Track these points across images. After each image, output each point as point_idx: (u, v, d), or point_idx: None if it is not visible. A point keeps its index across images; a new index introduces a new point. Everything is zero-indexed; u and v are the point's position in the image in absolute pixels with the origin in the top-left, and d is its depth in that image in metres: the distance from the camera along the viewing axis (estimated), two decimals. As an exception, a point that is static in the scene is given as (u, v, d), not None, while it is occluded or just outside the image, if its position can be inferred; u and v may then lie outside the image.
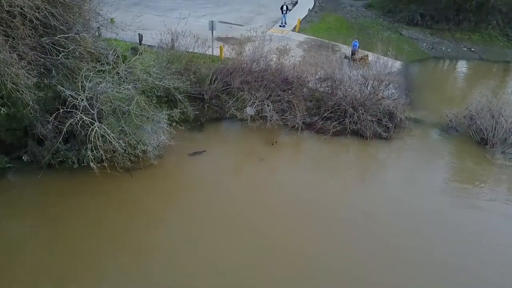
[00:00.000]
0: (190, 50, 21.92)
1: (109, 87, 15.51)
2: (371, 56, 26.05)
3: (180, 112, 18.65)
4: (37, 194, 15.81)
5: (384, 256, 14.15)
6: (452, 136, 21.49)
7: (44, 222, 14.67)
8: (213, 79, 21.19)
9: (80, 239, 13.98)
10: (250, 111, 20.26)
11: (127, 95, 16.11)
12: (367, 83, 21.89)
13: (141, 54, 18.96)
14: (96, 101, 15.55)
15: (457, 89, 28.74)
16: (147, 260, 13.45)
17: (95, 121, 15.46)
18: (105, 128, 15.06)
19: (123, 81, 16.60)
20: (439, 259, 14.06)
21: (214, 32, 25.28)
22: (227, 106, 21.01)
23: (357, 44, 27.62)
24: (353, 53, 27.09)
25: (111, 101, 15.78)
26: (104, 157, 15.47)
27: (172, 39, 21.90)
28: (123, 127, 16.00)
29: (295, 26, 32.10)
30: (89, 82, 15.31)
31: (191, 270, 13.26)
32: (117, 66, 16.86)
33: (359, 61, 25.98)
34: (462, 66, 32.14)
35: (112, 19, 24.14)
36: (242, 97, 20.70)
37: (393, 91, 23.13)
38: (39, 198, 15.62)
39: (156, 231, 14.73)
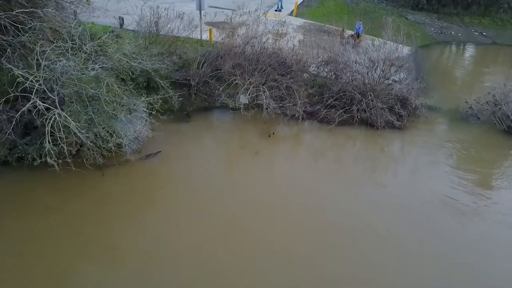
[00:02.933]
0: (176, 34, 19.24)
1: (71, 66, 12.80)
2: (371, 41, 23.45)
3: (163, 100, 16.17)
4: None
5: (393, 266, 11.62)
6: (473, 125, 18.97)
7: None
8: (201, 62, 18.59)
9: (38, 252, 11.36)
10: (243, 98, 17.70)
11: (95, 77, 13.47)
12: (375, 66, 19.32)
13: (120, 35, 16.48)
14: (56, 84, 12.87)
15: (472, 74, 26.17)
16: (121, 270, 10.85)
17: (55, 108, 12.78)
18: (65, 116, 12.36)
19: (92, 61, 13.92)
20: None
21: (203, 16, 22.67)
22: (217, 93, 18.48)
23: (361, 27, 25.09)
24: (357, 36, 24.58)
25: (76, 84, 13.12)
26: (67, 152, 12.78)
27: (156, 22, 19.23)
28: (91, 115, 13.35)
29: (292, 11, 29.59)
30: (46, 60, 12.59)
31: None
32: (85, 44, 14.17)
33: (355, 43, 23.54)
34: (474, 51, 29.66)
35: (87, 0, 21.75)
36: (234, 83, 18.16)
37: (403, 75, 20.52)
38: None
39: (130, 238, 12.10)
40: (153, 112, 15.31)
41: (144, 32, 17.92)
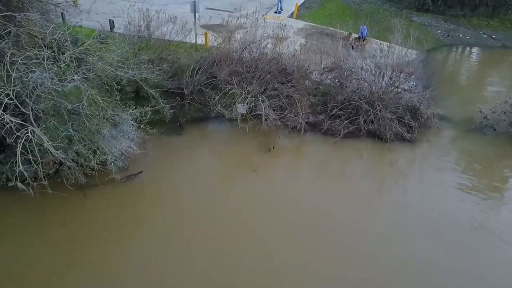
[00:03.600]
0: (169, 38, 17.75)
1: (46, 78, 11.38)
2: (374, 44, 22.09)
3: (153, 111, 14.91)
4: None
5: None
6: (489, 136, 17.59)
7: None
8: (196, 69, 17.16)
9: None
10: (241, 108, 16.31)
11: (76, 89, 12.07)
12: (382, 73, 17.94)
13: (106, 41, 15.06)
14: (29, 98, 11.44)
15: (484, 79, 24.77)
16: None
17: (29, 124, 11.38)
18: (39, 134, 10.94)
19: (73, 70, 12.50)
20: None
21: (199, 18, 21.27)
22: (213, 102, 17.07)
23: (365, 30, 23.71)
24: (362, 39, 23.22)
25: (53, 97, 11.72)
26: (42, 174, 11.39)
27: (147, 25, 17.77)
28: (69, 132, 11.94)
29: (293, 12, 28.17)
30: (18, 72, 11.18)
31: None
32: (63, 53, 12.75)
33: (359, 45, 22.18)
34: (484, 55, 28.24)
35: (74, 1, 20.38)
36: (230, 92, 16.72)
37: (413, 83, 19.12)
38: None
39: (114, 266, 10.73)
40: (141, 126, 13.94)
41: (132, 37, 16.45)
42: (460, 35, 29.65)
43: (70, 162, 12.13)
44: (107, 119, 13.10)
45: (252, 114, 16.47)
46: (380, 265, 11.28)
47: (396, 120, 16.84)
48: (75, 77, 12.13)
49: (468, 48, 28.85)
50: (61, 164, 12.38)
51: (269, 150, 15.65)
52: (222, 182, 14.32)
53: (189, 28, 18.80)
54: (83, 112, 12.10)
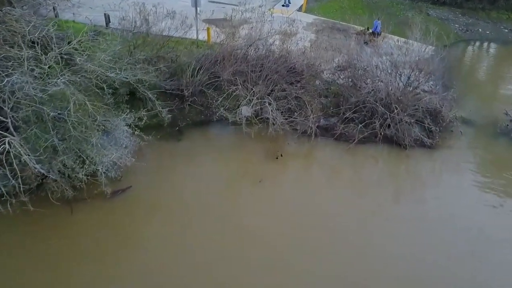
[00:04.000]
0: (168, 34, 16.36)
1: (27, 82, 10.12)
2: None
3: (149, 115, 13.57)
4: None
5: None
6: (517, 142, 16.09)
7: None
8: (197, 69, 15.79)
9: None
10: (245, 111, 14.99)
11: (60, 94, 10.80)
12: (399, 72, 16.50)
13: (96, 38, 13.79)
14: (6, 104, 10.19)
15: (508, 78, 23.14)
16: None
17: (8, 133, 10.16)
18: (16, 145, 9.69)
19: (59, 72, 11.22)
20: None
21: (200, 13, 19.83)
22: (215, 105, 15.71)
23: (379, 25, 22.20)
24: (377, 34, 21.72)
25: (34, 103, 10.46)
26: (21, 188, 10.17)
27: (143, 20, 16.37)
28: (53, 141, 10.68)
29: (301, 6, 26.68)
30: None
31: None
32: (46, 54, 11.48)
33: (372, 41, 20.70)
34: (505, 51, 26.52)
35: (66, -6, 19.10)
36: (234, 93, 15.36)
37: (432, 82, 17.64)
38: None
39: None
40: (135, 132, 12.66)
41: (127, 34, 15.13)
42: (480, 29, 28.01)
43: (54, 175, 10.93)
44: (97, 125, 11.82)
45: (258, 117, 15.15)
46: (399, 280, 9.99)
47: (416, 124, 15.39)
48: (60, 80, 10.87)
49: (488, 44, 27.23)
50: (45, 177, 11.14)
51: (277, 158, 14.33)
52: (226, 194, 12.97)
53: (190, 23, 17.40)
54: (69, 119, 10.84)
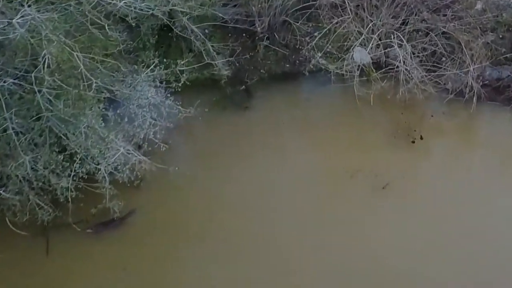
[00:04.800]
0: None
1: None
2: None
3: (195, 66, 8.99)
4: None
5: None
6: None
7: None
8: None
9: None
10: (360, 57, 10.58)
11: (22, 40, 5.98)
12: None
13: None
14: None
15: None
16: None
17: None
18: None
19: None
20: None
21: None
22: (308, 47, 10.67)
23: None
24: None
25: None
26: None
27: None
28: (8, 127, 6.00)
29: None
30: None
31: None
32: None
33: None
34: None
35: None
36: (341, 27, 10.53)
37: None
38: None
39: None
40: (169, 98, 7.71)
41: None
42: None
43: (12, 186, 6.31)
44: (95, 89, 6.69)
45: (381, 69, 10.24)
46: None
47: None
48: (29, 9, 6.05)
49: None
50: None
51: (413, 142, 9.39)
52: (324, 205, 8.29)
53: None
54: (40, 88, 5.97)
